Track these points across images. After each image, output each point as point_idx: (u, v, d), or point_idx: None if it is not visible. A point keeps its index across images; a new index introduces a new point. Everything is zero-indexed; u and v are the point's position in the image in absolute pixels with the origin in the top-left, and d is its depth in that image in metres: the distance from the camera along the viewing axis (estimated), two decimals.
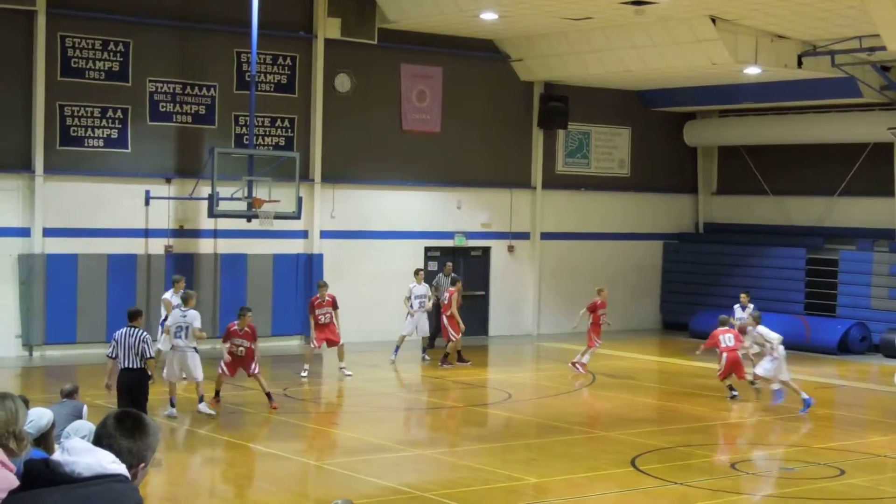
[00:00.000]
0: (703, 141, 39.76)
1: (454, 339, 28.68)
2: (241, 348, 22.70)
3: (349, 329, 28.66)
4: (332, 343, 26.71)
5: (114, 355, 19.15)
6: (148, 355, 18.92)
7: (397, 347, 29.28)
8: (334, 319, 26.67)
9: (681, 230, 40.05)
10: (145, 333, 19.08)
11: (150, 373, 19.06)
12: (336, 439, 21.20)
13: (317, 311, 26.51)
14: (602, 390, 25.86)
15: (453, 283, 29.51)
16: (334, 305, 26.58)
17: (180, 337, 21.85)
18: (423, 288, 29.60)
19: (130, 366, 18.84)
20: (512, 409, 23.78)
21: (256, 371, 22.69)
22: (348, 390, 25.73)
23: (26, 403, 12.75)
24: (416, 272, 29.87)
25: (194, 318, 21.93)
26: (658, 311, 39.43)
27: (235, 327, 22.88)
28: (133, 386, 18.69)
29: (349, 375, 26.63)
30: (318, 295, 26.80)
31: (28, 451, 6.36)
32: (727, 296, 34.17)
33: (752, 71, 31.84)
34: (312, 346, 26.86)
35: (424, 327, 29.86)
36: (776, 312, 34.64)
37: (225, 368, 22.79)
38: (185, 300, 22.51)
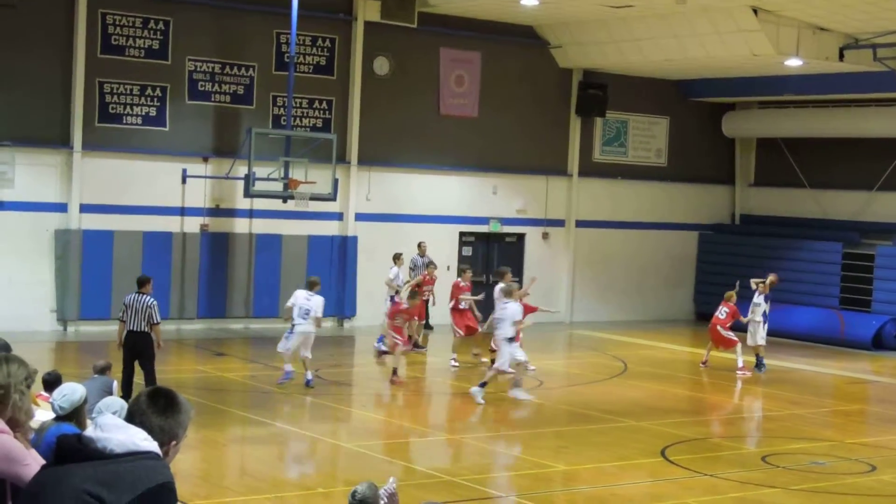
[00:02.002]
0: (741, 132, 39.57)
1: (457, 336, 27.03)
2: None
3: (380, 312, 28.63)
4: (470, 331, 26.54)
5: (123, 318, 20.08)
6: (154, 321, 19.82)
7: (382, 336, 27.58)
8: (473, 305, 26.66)
9: (717, 221, 39.89)
10: (153, 300, 19.97)
11: (155, 337, 19.86)
12: (366, 422, 21.23)
13: (459, 296, 26.59)
14: (633, 380, 25.81)
15: (428, 266, 29.15)
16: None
17: (304, 318, 22.72)
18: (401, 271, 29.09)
19: (135, 328, 19.82)
20: (543, 397, 23.76)
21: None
22: (380, 374, 25.74)
23: (59, 379, 12.84)
24: (395, 256, 29.26)
25: (318, 303, 22.83)
26: (692, 302, 39.30)
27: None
28: (137, 346, 19.69)
29: (455, 366, 26.49)
30: (460, 279, 27.07)
31: (31, 418, 6.38)
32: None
33: (794, 63, 31.64)
34: (457, 334, 26.74)
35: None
36: (811, 306, 34.55)
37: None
38: (311, 285, 23.17)
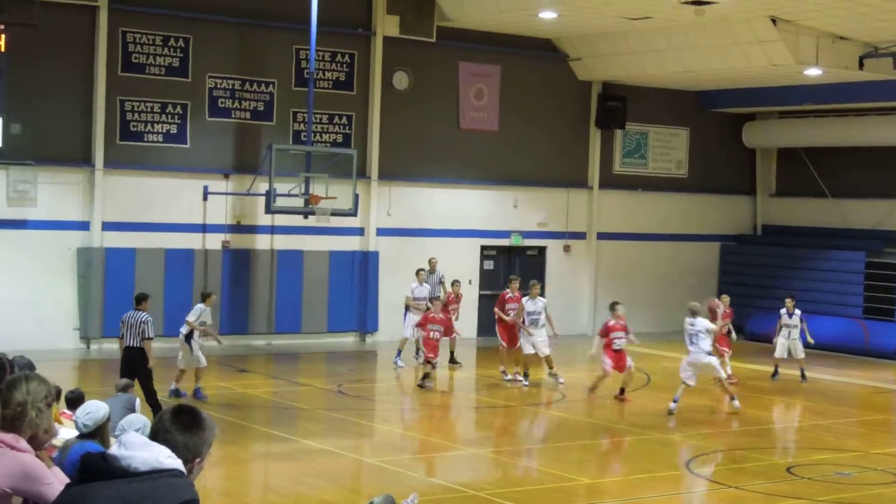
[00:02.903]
0: (762, 142, 39.48)
1: (501, 348, 27.29)
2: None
3: (401, 327, 28.60)
4: (513, 343, 26.53)
5: (121, 335, 20.39)
6: (147, 336, 20.00)
7: (399, 351, 28.27)
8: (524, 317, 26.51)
9: (738, 232, 39.79)
10: (147, 316, 20.19)
11: (147, 353, 20.03)
12: (389, 437, 21.21)
13: (507, 306, 26.62)
14: (657, 392, 25.72)
15: (446, 282, 29.06)
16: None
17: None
18: (425, 290, 28.55)
19: (131, 344, 20.09)
20: (566, 410, 23.71)
21: None
22: (402, 388, 25.72)
23: (82, 397, 12.85)
24: (418, 272, 28.77)
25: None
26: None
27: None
28: (132, 362, 19.82)
29: (510, 380, 26.40)
30: (508, 290, 27.02)
31: (54, 436, 6.38)
32: (784, 298, 33.92)
33: (813, 72, 31.58)
34: (502, 346, 26.88)
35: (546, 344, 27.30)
36: (834, 316, 34.39)
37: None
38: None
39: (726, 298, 28.24)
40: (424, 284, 28.34)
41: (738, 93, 36.88)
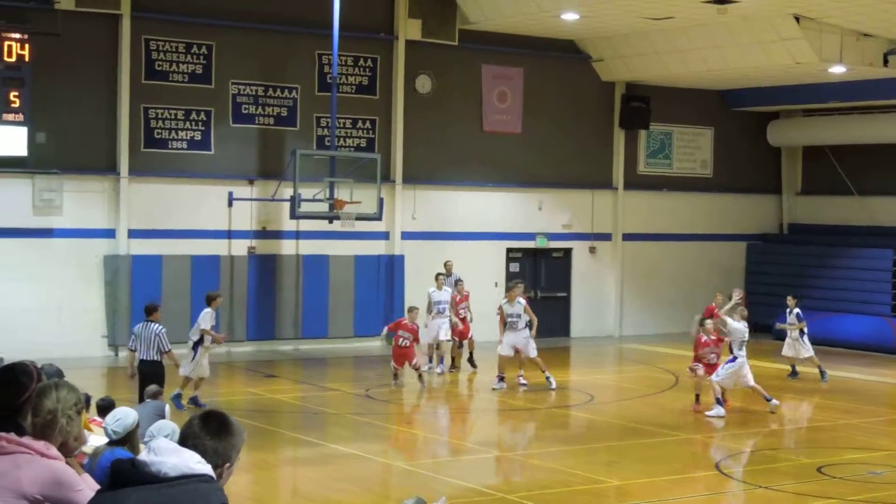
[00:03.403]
0: (786, 141, 39.35)
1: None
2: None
3: (425, 330, 28.55)
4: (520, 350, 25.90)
5: (133, 347, 20.23)
6: (164, 349, 19.89)
7: (430, 358, 27.90)
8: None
9: (764, 231, 39.67)
10: (160, 327, 20.05)
11: (170, 362, 20.11)
12: (417, 440, 21.21)
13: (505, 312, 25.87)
14: (685, 392, 25.63)
15: (456, 283, 28.47)
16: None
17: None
18: (445, 294, 27.85)
19: (146, 357, 19.91)
20: (594, 411, 23.67)
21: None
22: (430, 392, 25.71)
23: (112, 405, 12.89)
24: (437, 276, 28.18)
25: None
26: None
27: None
28: (148, 375, 19.34)
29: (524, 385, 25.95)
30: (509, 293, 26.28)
31: (84, 443, 6.40)
32: (812, 297, 33.81)
33: (837, 70, 31.47)
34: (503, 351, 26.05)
35: (440, 332, 27.45)
36: (862, 314, 34.25)
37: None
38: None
39: (720, 297, 28.41)
40: (445, 289, 28.05)
41: (762, 91, 36.77)
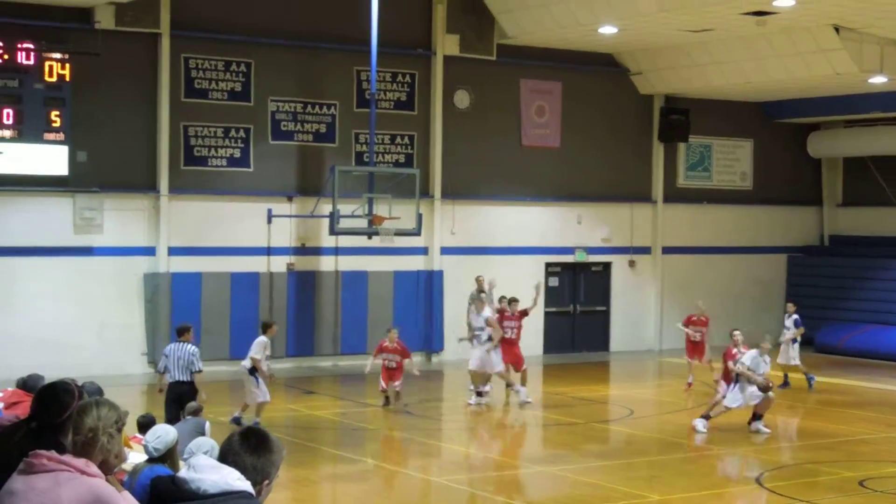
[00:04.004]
0: (827, 152, 39.19)
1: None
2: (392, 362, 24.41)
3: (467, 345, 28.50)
4: (515, 366, 25.50)
5: (163, 370, 19.92)
6: (195, 369, 19.48)
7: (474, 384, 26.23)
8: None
9: (806, 243, 39.51)
10: (194, 347, 19.71)
11: (197, 387, 19.50)
12: (457, 456, 21.23)
13: (504, 324, 25.47)
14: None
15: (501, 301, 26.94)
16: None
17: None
18: (487, 312, 26.03)
19: (180, 378, 19.49)
20: (634, 426, 23.63)
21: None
22: (469, 408, 25.72)
23: (152, 421, 13.00)
24: (473, 300, 26.53)
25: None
26: (782, 327, 38.81)
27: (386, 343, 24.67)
28: (183, 397, 19.04)
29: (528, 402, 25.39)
30: (506, 307, 25.98)
31: (124, 461, 6.47)
32: (854, 310, 33.68)
33: (878, 80, 31.34)
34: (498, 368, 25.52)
35: (492, 362, 25.45)
36: None
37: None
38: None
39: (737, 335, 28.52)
40: (487, 309, 27.19)
41: (802, 103, 36.65)
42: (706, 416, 22.52)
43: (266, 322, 22.66)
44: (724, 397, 22.59)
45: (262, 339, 21.71)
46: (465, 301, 28.43)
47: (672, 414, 25.07)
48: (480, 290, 27.83)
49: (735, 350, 22.99)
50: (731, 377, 22.75)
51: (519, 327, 26.03)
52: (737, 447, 21.24)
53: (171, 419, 19.00)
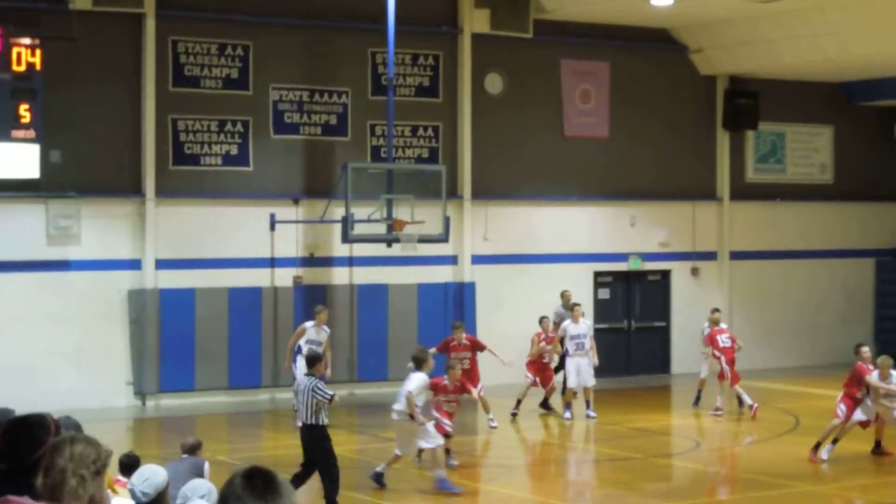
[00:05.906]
0: None
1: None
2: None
3: (509, 370, 28.40)
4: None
5: (296, 408, 19.66)
6: (323, 399, 18.45)
7: (568, 404, 27.73)
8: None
9: (895, 245, 39.36)
10: (315, 381, 18.69)
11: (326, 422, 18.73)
12: (497, 499, 21.10)
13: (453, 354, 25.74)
14: (807, 436, 25.40)
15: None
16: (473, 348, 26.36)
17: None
18: (584, 326, 27.87)
19: (307, 421, 18.68)
20: (701, 461, 23.54)
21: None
22: (512, 440, 25.63)
23: (137, 462, 12.94)
24: (574, 307, 28.41)
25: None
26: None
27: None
28: (309, 443, 18.67)
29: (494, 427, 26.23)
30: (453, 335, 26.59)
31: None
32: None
33: None
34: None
35: (586, 375, 27.67)
36: None
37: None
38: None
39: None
40: (584, 321, 28.16)
41: (887, 83, 36.49)
42: (834, 441, 22.48)
43: (420, 355, 21.20)
44: (845, 422, 22.56)
45: (422, 376, 20.55)
46: (504, 317, 28.44)
47: (745, 447, 24.94)
48: (570, 305, 29.06)
49: (870, 367, 23.00)
50: (855, 399, 22.75)
51: (472, 358, 26.31)
52: (819, 484, 21.11)
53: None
